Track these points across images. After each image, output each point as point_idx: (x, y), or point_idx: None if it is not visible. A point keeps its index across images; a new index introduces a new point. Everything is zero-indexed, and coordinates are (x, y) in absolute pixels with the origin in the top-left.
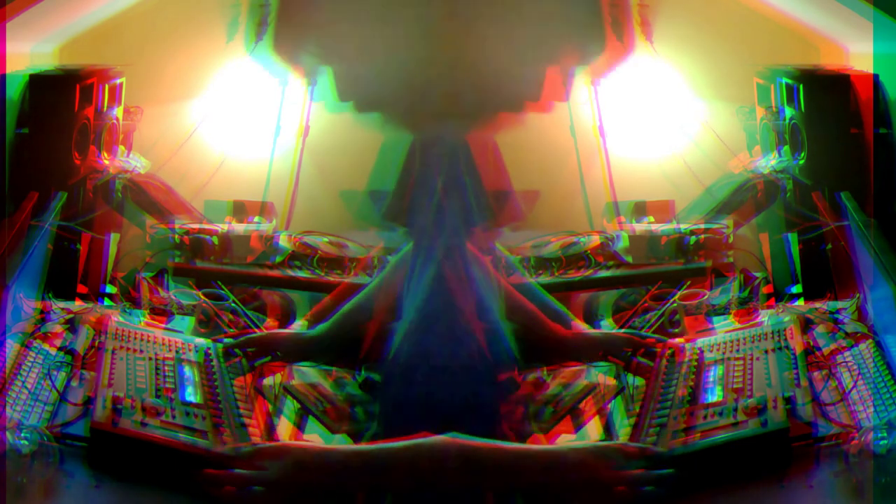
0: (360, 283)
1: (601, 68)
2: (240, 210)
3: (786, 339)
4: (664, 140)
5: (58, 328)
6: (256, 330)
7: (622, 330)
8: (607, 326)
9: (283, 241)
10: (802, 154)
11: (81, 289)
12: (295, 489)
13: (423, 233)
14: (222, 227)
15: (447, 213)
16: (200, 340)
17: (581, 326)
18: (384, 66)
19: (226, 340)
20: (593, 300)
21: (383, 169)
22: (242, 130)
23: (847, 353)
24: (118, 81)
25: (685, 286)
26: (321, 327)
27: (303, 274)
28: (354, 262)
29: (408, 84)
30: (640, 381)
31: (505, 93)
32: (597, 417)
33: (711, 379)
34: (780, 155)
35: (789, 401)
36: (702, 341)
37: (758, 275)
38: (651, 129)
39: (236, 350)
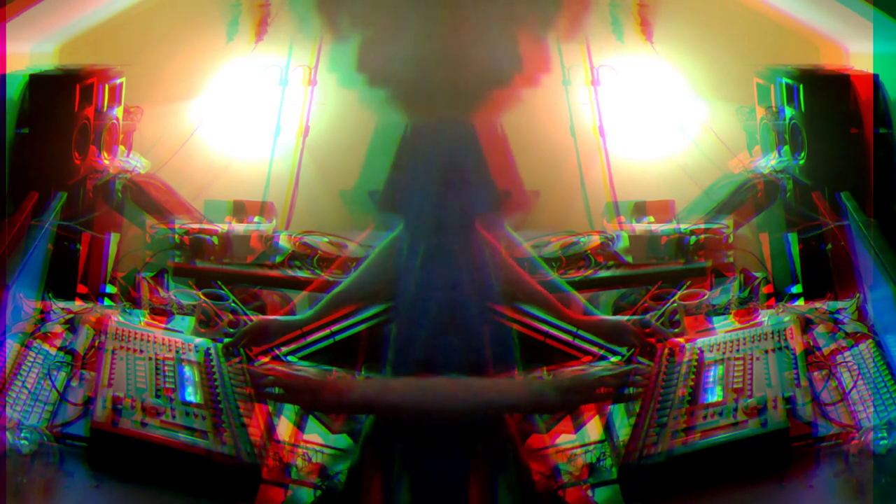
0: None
1: (566, 28)
2: (240, 210)
3: (786, 339)
4: (664, 140)
5: (58, 328)
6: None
7: (630, 318)
8: (606, 316)
9: (283, 241)
10: (802, 154)
11: (81, 289)
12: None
13: (420, 217)
14: (222, 227)
15: (449, 198)
16: (200, 340)
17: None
18: (402, 45)
19: (225, 340)
20: (593, 300)
21: (378, 159)
22: (242, 130)
23: (847, 353)
24: (118, 81)
25: (685, 286)
26: (309, 312)
27: (303, 274)
28: (354, 262)
29: (415, 65)
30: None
31: (492, 70)
32: (597, 417)
33: (711, 379)
34: (780, 155)
35: (789, 401)
36: (702, 341)
37: (758, 275)
38: (651, 130)
39: (238, 348)
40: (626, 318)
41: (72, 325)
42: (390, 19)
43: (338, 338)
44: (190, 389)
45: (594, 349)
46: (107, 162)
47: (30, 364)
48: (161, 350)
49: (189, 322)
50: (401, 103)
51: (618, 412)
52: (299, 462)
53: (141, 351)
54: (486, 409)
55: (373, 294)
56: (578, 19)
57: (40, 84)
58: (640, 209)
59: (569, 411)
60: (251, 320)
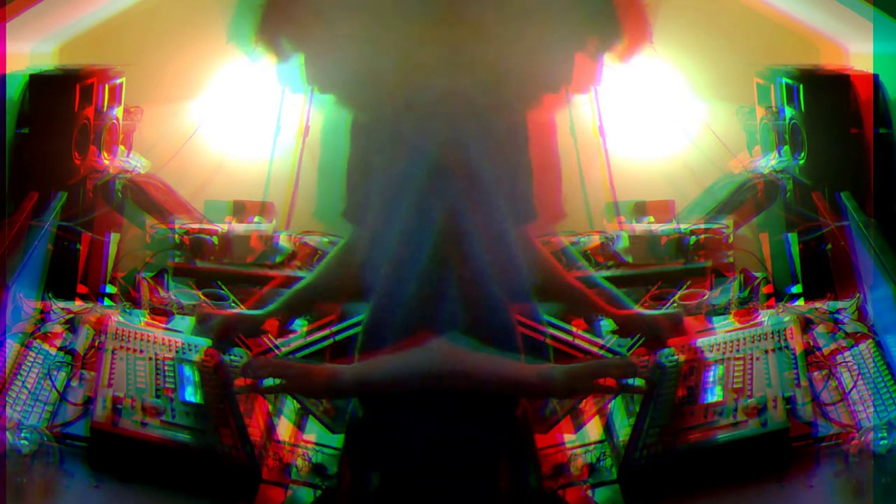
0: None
1: (623, 53)
2: (240, 210)
3: (786, 339)
4: (664, 140)
5: (58, 328)
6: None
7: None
8: (607, 326)
9: (283, 241)
10: (802, 154)
11: (81, 289)
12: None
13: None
14: (222, 227)
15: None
16: (200, 340)
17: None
18: (351, 55)
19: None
20: None
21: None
22: (242, 130)
23: (847, 353)
24: (118, 81)
25: (685, 286)
26: (271, 306)
27: (303, 274)
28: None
29: (393, 75)
30: (640, 381)
31: (538, 78)
32: (597, 417)
33: (711, 379)
34: (780, 155)
35: (789, 401)
36: (702, 341)
37: (758, 275)
38: (651, 129)
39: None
40: (660, 311)
41: (72, 325)
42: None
43: (338, 338)
44: (190, 389)
45: (594, 349)
46: (107, 162)
47: (30, 364)
48: (161, 350)
49: (189, 322)
50: (354, 105)
51: (618, 412)
52: (299, 462)
53: (141, 351)
54: (492, 386)
55: (336, 289)
56: (634, 48)
57: (40, 84)
58: (640, 209)
59: (573, 397)
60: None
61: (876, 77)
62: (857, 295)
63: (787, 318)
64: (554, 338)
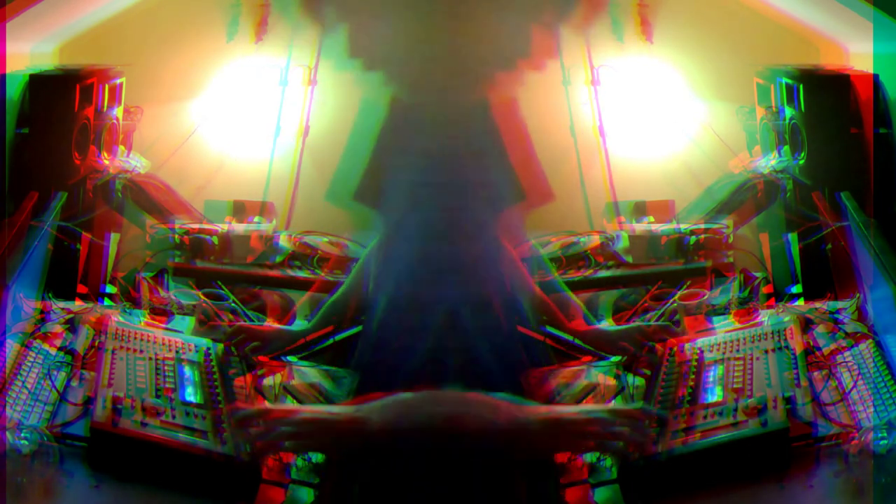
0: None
1: (581, 23)
2: (240, 210)
3: (786, 339)
4: (664, 140)
5: (58, 328)
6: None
7: (633, 325)
8: (607, 326)
9: (283, 241)
10: (802, 154)
11: (81, 289)
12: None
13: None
14: (222, 227)
15: (454, 188)
16: (200, 340)
17: (599, 325)
18: (394, 28)
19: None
20: (593, 300)
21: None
22: (242, 130)
23: (847, 353)
24: (118, 81)
25: (685, 286)
26: (305, 324)
27: (303, 274)
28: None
29: (414, 46)
30: (640, 381)
31: (496, 51)
32: None
33: (711, 379)
34: (780, 155)
35: (789, 401)
36: (702, 341)
37: (758, 275)
38: (651, 129)
39: (232, 348)
40: (633, 325)
41: (72, 325)
42: (380, 4)
43: (338, 338)
44: (190, 389)
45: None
46: (107, 162)
47: (30, 364)
48: (161, 350)
49: (189, 322)
50: (399, 83)
51: None
52: (299, 462)
53: (141, 351)
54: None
55: (362, 304)
56: (593, 15)
57: (40, 84)
58: (640, 209)
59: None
60: (241, 322)
61: (876, 77)
62: (857, 295)
63: (787, 318)
64: (554, 338)
